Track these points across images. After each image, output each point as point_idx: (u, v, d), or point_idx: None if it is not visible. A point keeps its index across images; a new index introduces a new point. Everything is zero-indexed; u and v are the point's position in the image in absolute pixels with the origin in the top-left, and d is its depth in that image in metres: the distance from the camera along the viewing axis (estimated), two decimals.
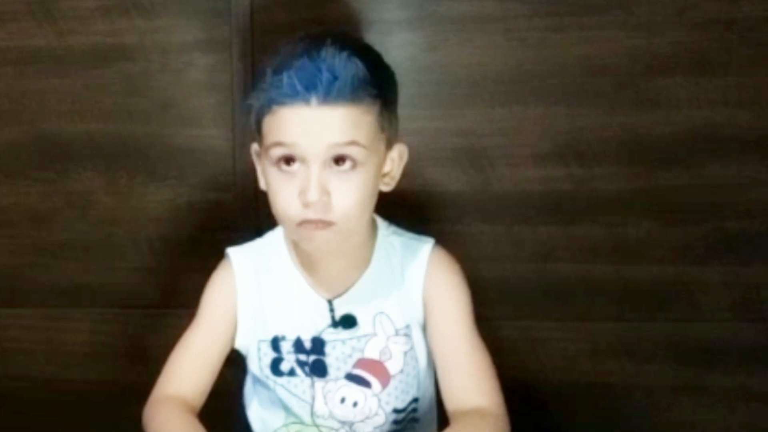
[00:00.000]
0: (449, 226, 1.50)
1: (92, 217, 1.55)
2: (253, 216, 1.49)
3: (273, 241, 1.25)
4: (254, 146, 1.18)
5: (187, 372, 1.19)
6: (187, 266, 1.53)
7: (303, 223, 1.10)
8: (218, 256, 1.28)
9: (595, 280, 1.52)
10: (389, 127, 1.14)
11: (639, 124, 1.47)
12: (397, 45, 1.46)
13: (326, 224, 1.09)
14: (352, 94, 1.07)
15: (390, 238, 1.23)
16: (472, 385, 1.17)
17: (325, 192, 1.08)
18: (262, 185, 1.17)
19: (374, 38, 1.42)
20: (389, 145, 1.15)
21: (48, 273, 1.57)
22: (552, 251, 1.52)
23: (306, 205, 1.08)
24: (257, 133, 1.14)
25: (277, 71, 1.08)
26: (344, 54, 1.08)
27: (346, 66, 1.07)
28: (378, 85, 1.10)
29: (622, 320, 1.53)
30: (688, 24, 1.44)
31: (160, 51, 1.49)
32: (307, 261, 1.21)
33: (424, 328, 1.22)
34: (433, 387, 1.27)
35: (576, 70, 1.46)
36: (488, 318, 1.50)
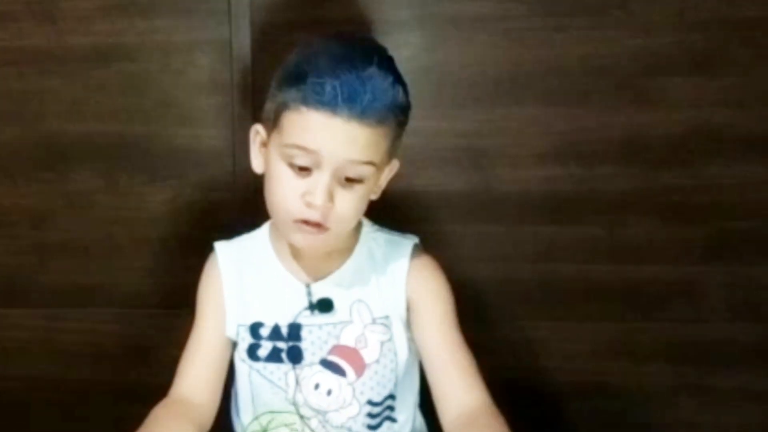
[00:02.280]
0: (449, 227, 1.50)
1: (92, 217, 1.55)
2: (252, 216, 1.49)
3: (257, 235, 1.29)
4: (257, 127, 1.19)
5: (193, 371, 1.23)
6: (187, 266, 1.52)
7: (300, 222, 1.12)
8: None
9: (595, 280, 1.52)
10: (397, 147, 1.17)
11: (639, 124, 1.47)
12: (397, 45, 1.45)
13: (322, 230, 1.13)
14: (383, 117, 1.10)
15: (374, 234, 1.27)
16: (462, 382, 1.19)
17: (331, 199, 1.11)
18: (256, 167, 1.20)
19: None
20: (389, 161, 1.18)
21: (48, 273, 1.57)
22: (552, 251, 1.51)
23: (308, 205, 1.11)
24: (272, 122, 1.14)
25: (320, 75, 1.08)
26: (390, 79, 1.10)
27: (388, 91, 1.10)
28: (406, 113, 1.14)
29: (622, 320, 1.53)
30: (688, 24, 1.44)
31: (160, 51, 1.49)
32: (290, 249, 1.23)
33: (407, 325, 1.23)
34: (416, 395, 1.28)
35: (576, 70, 1.46)
36: (488, 318, 1.50)
